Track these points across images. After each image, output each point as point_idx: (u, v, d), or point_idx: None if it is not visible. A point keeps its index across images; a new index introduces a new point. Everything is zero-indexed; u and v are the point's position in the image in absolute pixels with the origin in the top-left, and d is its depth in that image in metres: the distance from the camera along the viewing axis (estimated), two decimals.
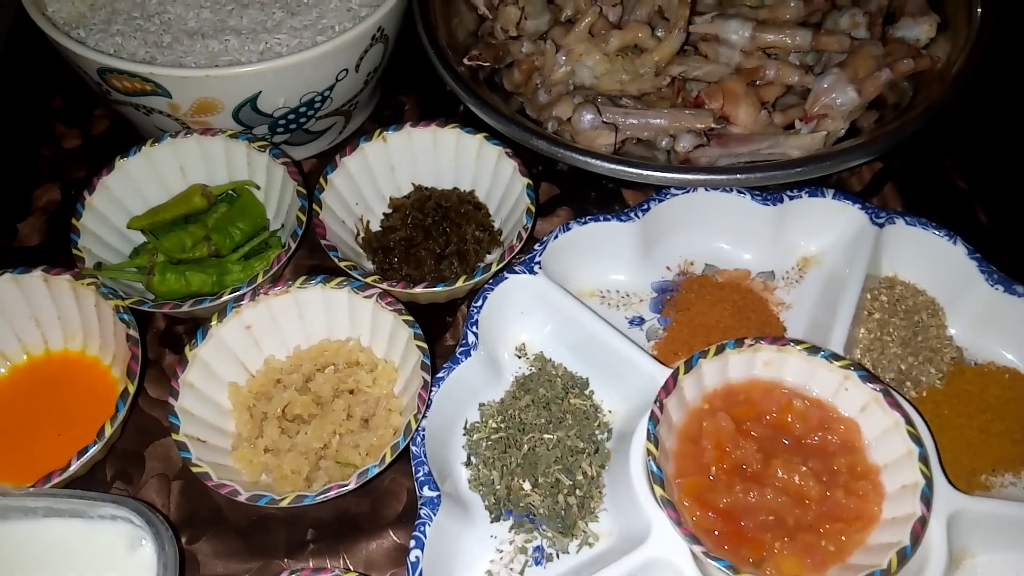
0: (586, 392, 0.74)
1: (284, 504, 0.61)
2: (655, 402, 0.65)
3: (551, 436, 0.70)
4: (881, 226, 0.78)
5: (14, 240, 0.86)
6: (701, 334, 0.77)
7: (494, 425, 0.72)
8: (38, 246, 0.85)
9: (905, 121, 0.76)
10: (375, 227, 0.84)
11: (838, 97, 0.79)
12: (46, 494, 0.61)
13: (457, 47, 0.88)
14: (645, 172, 0.73)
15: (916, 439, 0.63)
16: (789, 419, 0.67)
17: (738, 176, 0.74)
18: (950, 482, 0.64)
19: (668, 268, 0.83)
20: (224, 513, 0.70)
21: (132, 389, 0.66)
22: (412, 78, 0.98)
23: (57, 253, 0.82)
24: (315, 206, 0.77)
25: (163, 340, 0.79)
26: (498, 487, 0.69)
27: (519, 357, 0.77)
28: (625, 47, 0.82)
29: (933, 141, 0.90)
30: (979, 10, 0.83)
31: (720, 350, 0.67)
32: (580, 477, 0.69)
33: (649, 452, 0.62)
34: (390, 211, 0.85)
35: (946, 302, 0.79)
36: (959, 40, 0.82)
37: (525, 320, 0.77)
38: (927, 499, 0.60)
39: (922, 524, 0.59)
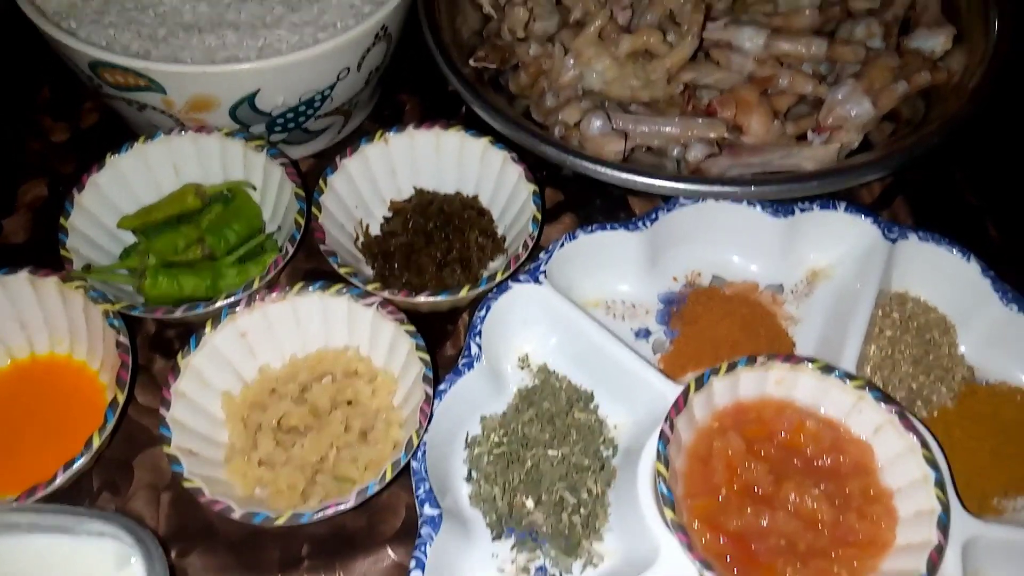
0: (591, 406, 0.72)
1: (280, 523, 0.59)
2: (665, 420, 0.63)
3: (555, 452, 0.68)
4: (894, 241, 0.76)
5: None
6: (709, 348, 0.75)
7: (496, 439, 0.70)
8: (23, 244, 0.82)
9: (922, 136, 0.74)
10: (375, 231, 0.82)
11: (853, 109, 0.77)
12: (30, 509, 0.58)
13: (462, 47, 0.85)
14: (659, 183, 0.71)
15: (932, 464, 0.61)
16: (801, 439, 0.65)
17: (753, 188, 0.72)
18: (964, 507, 0.63)
19: (675, 279, 0.81)
20: (216, 527, 0.67)
21: (121, 399, 0.63)
22: (413, 77, 0.95)
23: (44, 252, 0.79)
24: (314, 209, 0.75)
25: (153, 345, 0.76)
26: (500, 504, 0.67)
27: (522, 368, 0.75)
28: (635, 52, 0.80)
29: (944, 155, 0.88)
30: (996, 23, 0.81)
31: (732, 367, 0.65)
32: (585, 495, 0.67)
33: (659, 473, 0.60)
34: (390, 215, 0.82)
35: (957, 320, 0.77)
36: (975, 53, 0.81)
37: (529, 331, 0.75)
38: (944, 527, 0.58)
39: (939, 553, 0.58)
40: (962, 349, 0.76)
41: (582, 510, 0.66)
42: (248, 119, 0.77)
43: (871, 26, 0.82)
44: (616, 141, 0.76)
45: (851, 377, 0.65)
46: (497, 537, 0.66)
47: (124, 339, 0.66)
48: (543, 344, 0.76)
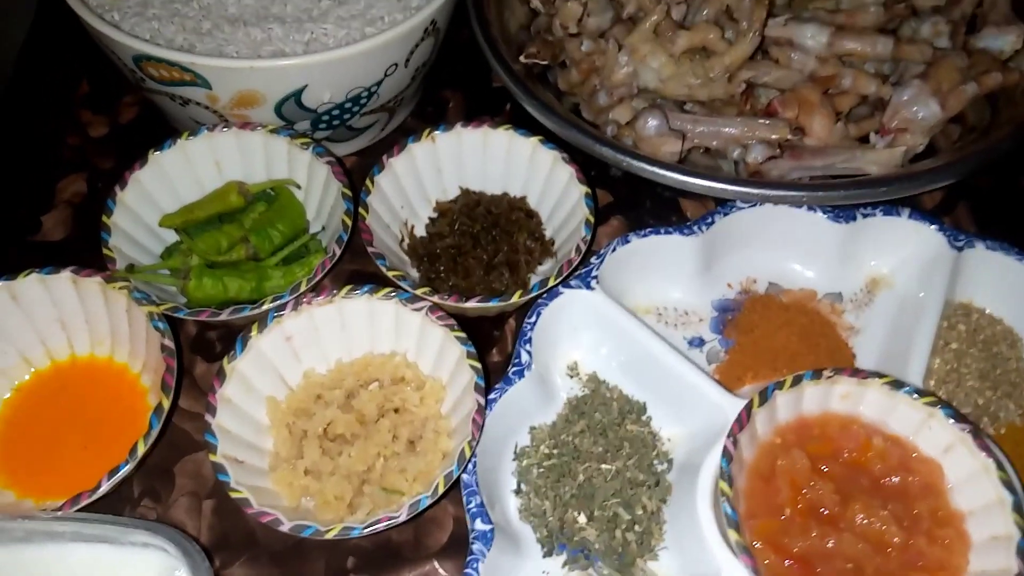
0: (643, 418, 0.70)
1: (330, 536, 0.57)
2: (728, 437, 0.60)
3: (609, 466, 0.66)
4: (960, 249, 0.73)
5: (37, 234, 0.81)
6: (766, 359, 0.73)
7: (546, 451, 0.68)
8: (62, 241, 0.81)
9: (994, 141, 0.71)
10: (419, 231, 0.80)
11: (919, 111, 0.74)
12: (74, 518, 0.57)
13: (510, 42, 0.83)
14: (723, 186, 0.69)
15: (1009, 486, 0.58)
16: (867, 457, 0.63)
17: (820, 194, 0.69)
18: None
19: (729, 286, 0.78)
20: (258, 536, 0.65)
21: (167, 405, 0.62)
22: (456, 73, 0.93)
23: (82, 249, 0.78)
24: (361, 210, 0.72)
25: (195, 347, 0.74)
26: (551, 519, 0.65)
27: (571, 377, 0.73)
28: (692, 49, 0.77)
29: (1009, 160, 0.84)
30: None
31: (796, 381, 0.63)
32: (639, 512, 0.64)
33: (723, 492, 0.58)
34: (436, 215, 0.80)
35: None
36: None
37: (578, 337, 0.73)
38: None
39: None
40: None
41: (636, 527, 0.64)
42: (293, 116, 0.75)
43: (938, 24, 0.78)
44: (673, 141, 0.73)
45: (921, 393, 0.62)
46: (548, 554, 0.64)
47: (169, 342, 0.64)
48: (593, 352, 0.73)
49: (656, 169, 0.70)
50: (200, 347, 0.74)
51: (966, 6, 0.82)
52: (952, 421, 0.61)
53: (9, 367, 0.69)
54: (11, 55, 0.94)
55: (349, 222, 0.71)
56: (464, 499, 0.62)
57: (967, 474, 0.61)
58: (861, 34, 0.76)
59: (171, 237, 0.76)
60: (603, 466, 0.66)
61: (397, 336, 0.70)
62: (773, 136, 0.73)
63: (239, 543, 0.65)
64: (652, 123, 0.73)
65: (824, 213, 0.74)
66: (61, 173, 0.85)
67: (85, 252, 0.74)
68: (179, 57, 0.69)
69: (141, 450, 0.60)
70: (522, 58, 0.79)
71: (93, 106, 0.90)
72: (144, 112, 0.90)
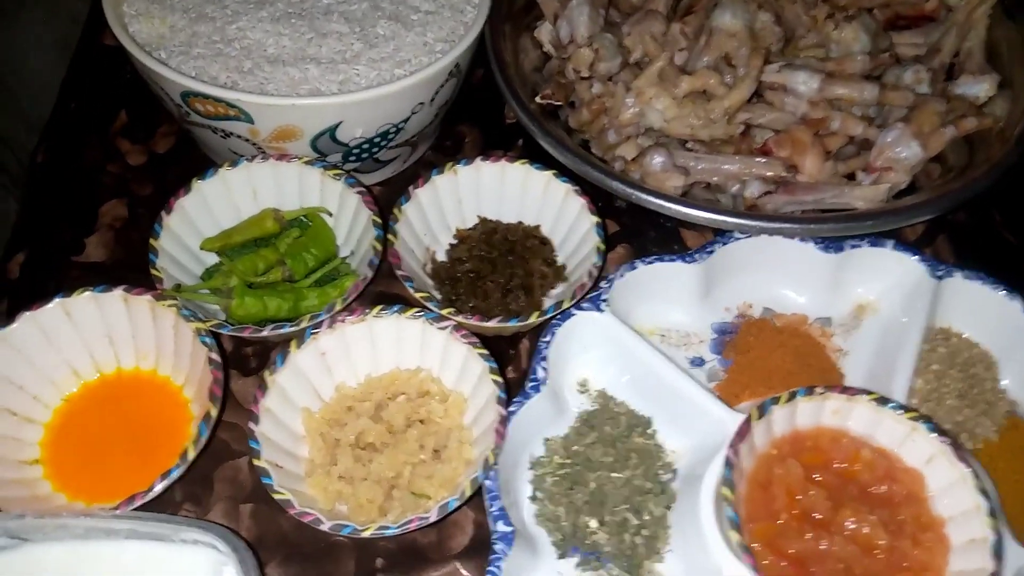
0: (649, 431, 0.75)
1: (366, 534, 0.62)
2: (729, 447, 0.66)
3: (619, 475, 0.71)
4: (940, 278, 0.80)
5: (81, 254, 0.86)
6: (762, 378, 0.78)
7: (559, 460, 0.73)
8: (104, 261, 0.86)
9: (971, 180, 0.78)
10: (440, 256, 0.85)
11: (903, 151, 0.80)
12: (131, 516, 0.62)
13: (524, 83, 0.89)
14: (724, 218, 0.75)
15: (984, 493, 0.64)
16: (856, 467, 0.68)
17: (812, 226, 0.76)
18: (1015, 538, 0.66)
19: (727, 309, 0.84)
20: (292, 539, 0.70)
21: (214, 413, 0.67)
22: (472, 110, 0.99)
23: (123, 268, 0.84)
24: (389, 236, 0.78)
25: (231, 361, 0.79)
26: (564, 523, 0.70)
27: (581, 392, 0.78)
28: (694, 92, 0.84)
29: (983, 197, 0.91)
30: None
31: (791, 397, 0.69)
32: (647, 517, 0.70)
33: (726, 497, 0.63)
34: (456, 242, 0.86)
35: (999, 356, 0.80)
36: (1019, 101, 0.84)
37: (588, 356, 0.79)
38: (999, 554, 0.61)
39: None
40: (1004, 384, 0.80)
41: (644, 531, 0.69)
42: (327, 149, 0.81)
43: (919, 72, 0.86)
44: (677, 177, 0.80)
45: (905, 409, 0.68)
46: (562, 556, 0.69)
47: (216, 356, 0.69)
48: (601, 369, 0.79)
49: (663, 202, 0.76)
50: (236, 362, 0.80)
51: (944, 56, 0.89)
52: (933, 435, 0.67)
53: (60, 378, 0.73)
54: (54, 90, 0.99)
55: (380, 247, 0.76)
56: (487, 503, 0.67)
57: (947, 483, 0.66)
58: (849, 80, 0.83)
59: (209, 259, 0.81)
60: (613, 475, 0.71)
61: (422, 352, 0.75)
62: (768, 173, 0.79)
63: (274, 545, 0.70)
64: (658, 160, 0.80)
65: (815, 244, 0.81)
66: (103, 198, 0.90)
67: (125, 271, 0.80)
68: (226, 94, 0.75)
69: (191, 455, 0.65)
70: (538, 99, 0.86)
71: (131, 136, 0.96)
72: (179, 142, 0.96)
